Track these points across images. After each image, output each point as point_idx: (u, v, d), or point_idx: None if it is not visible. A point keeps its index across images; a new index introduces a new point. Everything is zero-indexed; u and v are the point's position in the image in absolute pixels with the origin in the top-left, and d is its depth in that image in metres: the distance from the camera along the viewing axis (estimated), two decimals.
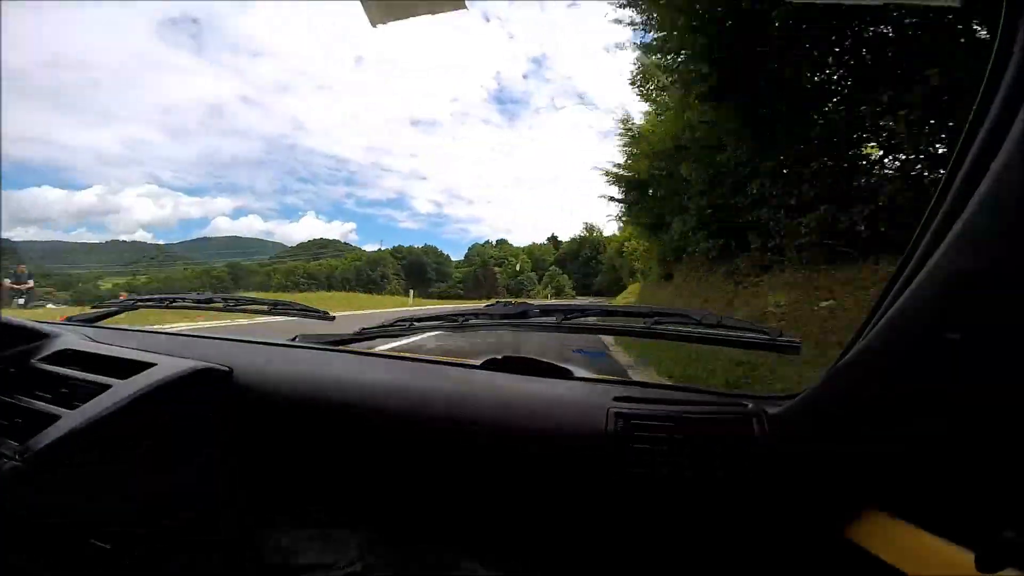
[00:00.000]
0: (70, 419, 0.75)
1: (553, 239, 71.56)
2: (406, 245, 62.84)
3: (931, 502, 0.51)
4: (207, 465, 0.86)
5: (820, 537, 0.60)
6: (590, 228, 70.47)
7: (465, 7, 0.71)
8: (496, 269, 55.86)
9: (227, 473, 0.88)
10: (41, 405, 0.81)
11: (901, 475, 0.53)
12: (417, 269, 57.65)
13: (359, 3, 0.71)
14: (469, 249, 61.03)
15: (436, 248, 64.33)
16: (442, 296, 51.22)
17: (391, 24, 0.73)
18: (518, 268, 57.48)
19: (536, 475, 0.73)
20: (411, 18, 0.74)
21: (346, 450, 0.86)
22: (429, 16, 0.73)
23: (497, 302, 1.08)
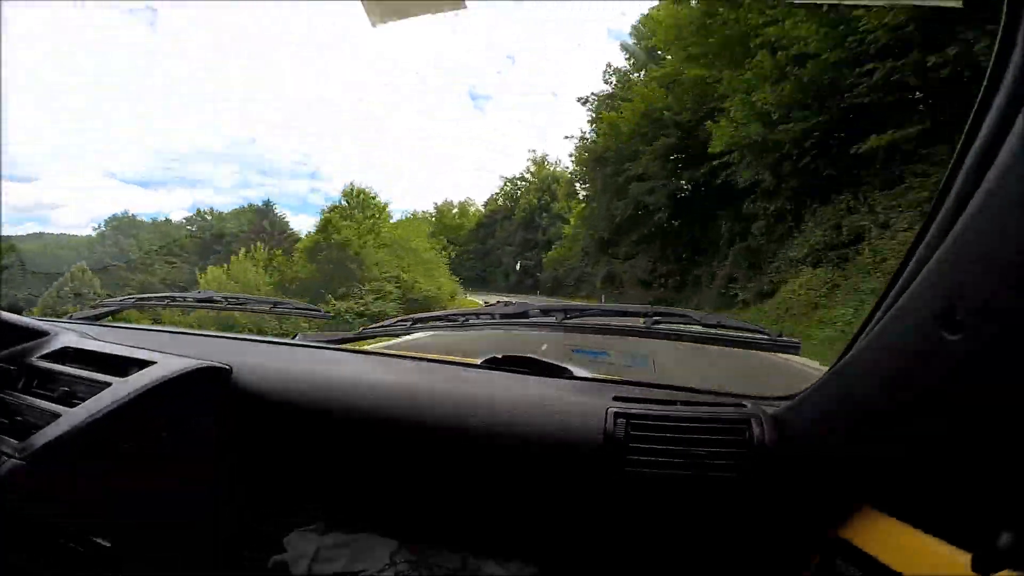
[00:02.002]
0: (70, 417, 0.75)
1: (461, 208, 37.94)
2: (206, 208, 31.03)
3: (929, 503, 0.51)
4: (207, 463, 0.86)
5: (818, 537, 0.60)
6: (541, 161, 34.38)
7: (465, 7, 0.71)
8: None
9: (227, 471, 0.88)
10: (41, 403, 0.81)
11: (899, 475, 0.53)
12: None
13: (360, 3, 0.71)
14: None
15: (275, 205, 28.81)
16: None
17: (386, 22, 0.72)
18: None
19: (535, 474, 0.73)
20: (410, 18, 0.74)
21: (346, 448, 0.86)
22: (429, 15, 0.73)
23: (498, 302, 1.09)
